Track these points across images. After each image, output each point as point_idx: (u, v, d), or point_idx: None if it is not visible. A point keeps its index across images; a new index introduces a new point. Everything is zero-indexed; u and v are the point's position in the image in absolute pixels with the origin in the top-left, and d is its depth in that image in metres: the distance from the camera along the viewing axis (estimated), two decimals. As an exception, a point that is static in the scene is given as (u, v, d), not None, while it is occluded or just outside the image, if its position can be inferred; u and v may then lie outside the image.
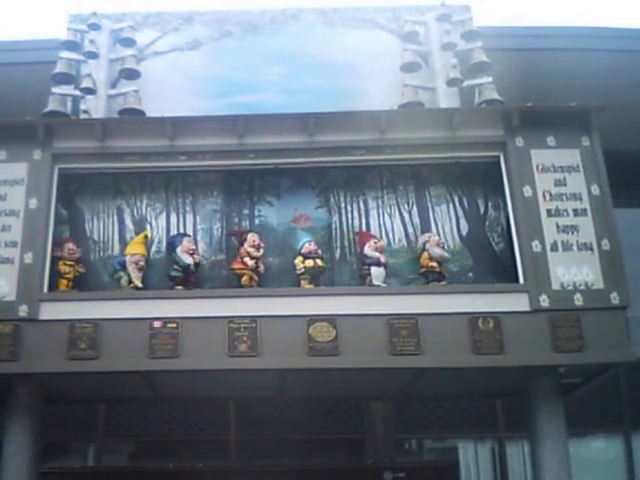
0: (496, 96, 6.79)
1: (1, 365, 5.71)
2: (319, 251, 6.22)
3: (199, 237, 6.49)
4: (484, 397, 7.73)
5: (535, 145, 6.32)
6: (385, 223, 6.50)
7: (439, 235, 6.40)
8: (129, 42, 7.33)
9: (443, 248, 6.24)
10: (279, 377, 6.25)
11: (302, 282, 6.14)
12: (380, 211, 6.55)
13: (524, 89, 7.19)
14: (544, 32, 8.26)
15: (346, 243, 6.45)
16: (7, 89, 7.63)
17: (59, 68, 6.98)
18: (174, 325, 5.81)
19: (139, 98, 6.96)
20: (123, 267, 6.17)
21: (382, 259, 6.15)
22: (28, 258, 5.99)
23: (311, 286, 6.10)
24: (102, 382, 6.27)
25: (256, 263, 6.17)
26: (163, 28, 7.55)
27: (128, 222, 6.54)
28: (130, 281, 6.11)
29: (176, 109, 6.68)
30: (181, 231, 6.48)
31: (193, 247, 6.22)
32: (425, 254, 6.21)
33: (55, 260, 6.15)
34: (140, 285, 6.11)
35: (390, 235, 6.46)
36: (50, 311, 5.88)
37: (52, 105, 6.76)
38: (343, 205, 6.57)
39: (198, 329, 5.81)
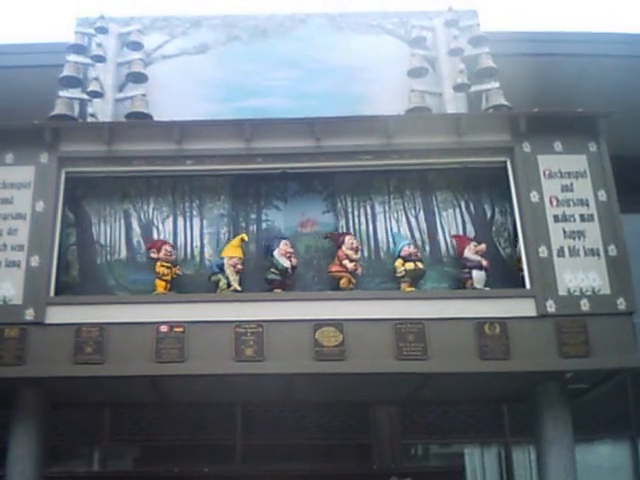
0: (503, 101, 6.78)
1: (7, 369, 5.71)
2: (418, 254, 6.22)
3: (205, 241, 6.49)
4: (490, 402, 7.71)
5: (542, 150, 6.31)
6: (392, 228, 6.49)
7: (445, 241, 6.43)
8: (137, 46, 7.35)
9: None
10: (285, 382, 6.24)
11: (402, 285, 6.12)
12: (387, 216, 6.53)
13: (531, 94, 7.19)
14: (551, 37, 8.26)
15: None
16: (15, 92, 7.65)
17: (67, 71, 7.00)
18: (180, 329, 5.81)
19: (146, 102, 6.98)
20: (221, 270, 6.14)
21: (483, 262, 6.15)
22: (34, 261, 6.00)
23: (412, 289, 6.09)
24: (108, 386, 6.27)
25: (355, 266, 6.16)
26: (171, 32, 7.57)
27: (135, 226, 6.54)
28: (229, 284, 6.09)
29: (183, 113, 6.69)
30: (188, 235, 6.48)
31: (291, 250, 6.20)
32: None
33: (153, 262, 6.18)
34: (239, 288, 6.08)
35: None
36: (56, 315, 5.88)
37: (59, 108, 6.77)
38: (350, 210, 6.56)
39: (205, 333, 5.81)
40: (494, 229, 6.51)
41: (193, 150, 6.43)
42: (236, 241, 6.30)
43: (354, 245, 6.23)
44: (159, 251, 6.21)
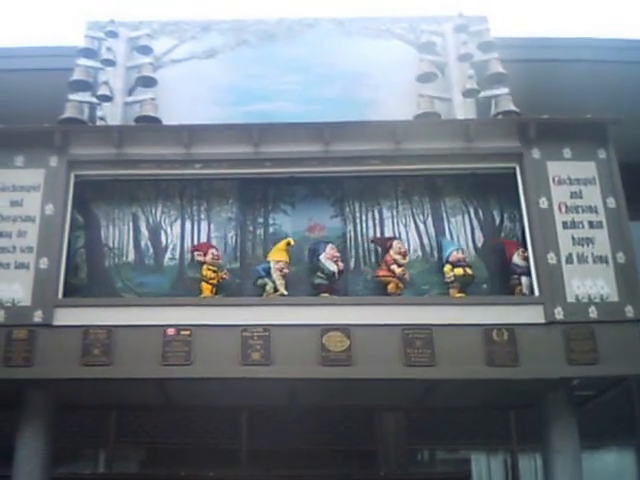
0: (512, 107, 6.77)
1: (15, 370, 5.72)
2: (467, 259, 6.20)
3: (213, 245, 6.50)
4: (497, 409, 7.69)
5: (551, 157, 6.29)
6: (400, 233, 6.46)
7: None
8: (146, 50, 7.38)
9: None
10: (291, 386, 6.23)
11: (451, 291, 6.11)
12: (395, 221, 6.51)
13: (540, 100, 7.18)
14: (560, 43, 8.24)
15: (361, 253, 6.43)
16: (24, 95, 7.68)
17: (76, 75, 7.02)
18: (187, 333, 5.81)
19: (155, 106, 7.00)
20: (267, 274, 6.13)
21: (531, 268, 6.10)
22: (43, 264, 6.02)
23: (461, 295, 6.07)
24: (114, 389, 6.28)
25: (402, 271, 6.15)
26: (180, 36, 7.59)
27: (143, 229, 6.55)
28: (275, 288, 6.08)
29: (192, 117, 6.70)
30: (195, 239, 6.49)
31: (337, 254, 6.19)
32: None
33: (199, 265, 6.18)
34: (285, 292, 6.07)
35: (405, 245, 6.42)
36: (64, 317, 5.89)
37: (69, 112, 6.79)
38: (358, 215, 6.55)
39: (211, 337, 5.80)
40: (503, 235, 6.48)
41: (201, 154, 6.44)
42: (282, 245, 6.27)
43: (402, 250, 6.21)
44: (206, 254, 6.20)
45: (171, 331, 5.82)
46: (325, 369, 5.71)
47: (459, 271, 6.12)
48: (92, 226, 6.52)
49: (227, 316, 5.89)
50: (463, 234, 6.49)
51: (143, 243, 6.50)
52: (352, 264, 6.38)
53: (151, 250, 6.47)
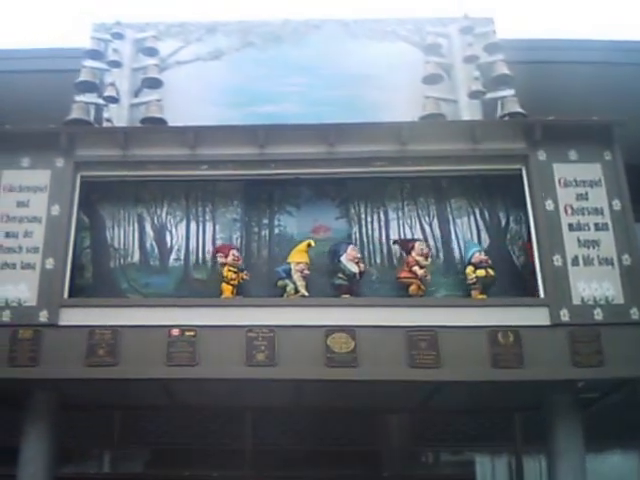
0: (518, 109, 6.78)
1: (21, 370, 5.75)
2: (489, 261, 6.20)
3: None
4: (502, 411, 7.67)
5: (557, 159, 6.30)
6: (405, 235, 6.48)
7: (459, 248, 6.42)
8: (152, 51, 7.41)
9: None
10: (296, 387, 6.24)
11: (473, 292, 6.10)
12: (400, 222, 6.53)
13: (546, 102, 7.16)
14: (566, 45, 8.22)
15: (366, 254, 6.42)
16: (31, 96, 7.69)
17: (83, 76, 7.06)
18: (192, 333, 5.82)
19: (161, 107, 7.03)
20: (288, 275, 6.14)
21: None
22: (49, 264, 6.04)
23: (483, 297, 6.07)
24: (119, 389, 6.31)
25: (424, 272, 6.14)
26: (186, 38, 7.62)
27: (148, 230, 6.57)
28: (296, 289, 6.10)
29: (198, 118, 6.71)
30: (201, 240, 6.50)
31: (358, 255, 6.19)
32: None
33: (221, 266, 6.20)
34: (306, 294, 6.09)
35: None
36: (70, 317, 5.92)
37: (75, 113, 6.82)
38: (363, 216, 6.56)
39: (216, 338, 5.81)
40: (508, 237, 6.48)
41: (207, 155, 6.46)
42: (302, 246, 6.28)
43: (424, 251, 6.20)
44: (227, 255, 6.22)
45: (176, 332, 5.83)
46: (330, 370, 5.72)
47: (481, 272, 6.11)
48: (98, 227, 6.55)
49: (232, 317, 5.90)
50: (469, 236, 6.49)
51: (148, 244, 6.52)
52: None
53: (156, 251, 6.50)
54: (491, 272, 6.12)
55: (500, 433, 8.30)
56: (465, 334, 5.77)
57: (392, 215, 6.56)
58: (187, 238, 6.55)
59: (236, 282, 6.14)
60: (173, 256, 6.48)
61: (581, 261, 6.01)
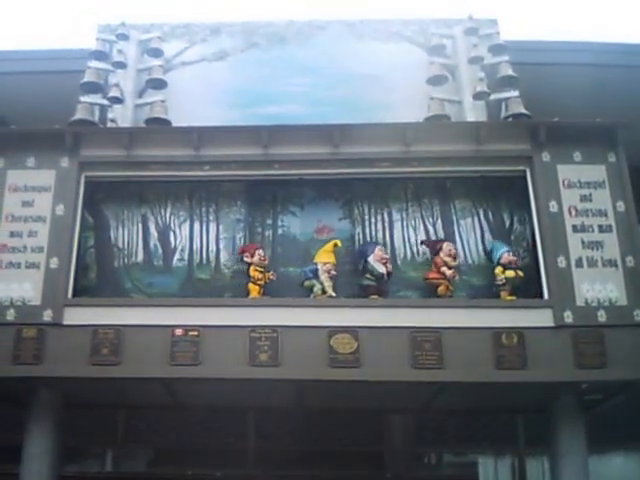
0: (523, 110, 6.77)
1: (24, 368, 5.77)
2: (518, 261, 6.19)
3: (222, 246, 6.52)
4: (505, 412, 7.67)
5: (561, 160, 6.29)
6: (409, 236, 6.48)
7: (463, 249, 6.41)
8: (157, 52, 7.43)
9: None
10: (299, 387, 6.24)
11: (502, 293, 6.09)
12: (404, 223, 6.52)
13: (550, 103, 7.15)
14: (571, 47, 8.22)
15: (370, 255, 6.42)
16: (36, 97, 7.73)
17: (88, 77, 7.08)
18: (195, 333, 5.84)
19: (165, 108, 7.04)
20: (315, 275, 6.14)
21: None
22: (54, 263, 6.07)
23: (512, 298, 6.05)
24: (123, 388, 6.32)
25: (453, 273, 6.14)
26: (190, 39, 7.64)
27: (152, 230, 6.58)
28: (323, 290, 6.09)
29: (202, 119, 6.73)
30: (204, 240, 6.51)
31: (386, 256, 6.18)
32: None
33: (247, 266, 6.21)
34: (333, 294, 6.08)
35: (414, 248, 6.44)
36: (74, 316, 5.94)
37: (80, 114, 6.84)
38: (367, 217, 6.56)
39: (219, 338, 5.83)
40: (512, 238, 6.46)
41: (211, 156, 6.47)
42: (329, 246, 6.28)
43: (452, 252, 6.20)
44: (253, 255, 6.22)
45: (179, 331, 5.84)
46: (333, 371, 5.72)
47: (510, 273, 6.09)
48: (102, 227, 6.57)
49: (235, 317, 5.91)
50: (473, 237, 6.49)
51: (152, 244, 6.54)
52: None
53: (160, 251, 6.51)
54: (520, 273, 6.10)
55: (503, 434, 8.31)
56: (469, 335, 5.77)
57: (396, 216, 6.56)
58: (191, 238, 6.56)
59: (262, 282, 6.14)
60: (177, 256, 6.49)
61: (585, 263, 6.00)
